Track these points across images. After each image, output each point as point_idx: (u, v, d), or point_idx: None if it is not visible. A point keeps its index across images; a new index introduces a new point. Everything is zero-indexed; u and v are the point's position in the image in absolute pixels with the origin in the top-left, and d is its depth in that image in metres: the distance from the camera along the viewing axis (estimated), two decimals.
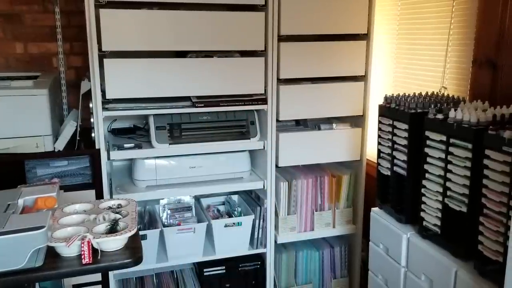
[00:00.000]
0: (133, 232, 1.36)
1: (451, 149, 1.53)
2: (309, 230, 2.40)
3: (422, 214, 1.71)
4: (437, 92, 1.93)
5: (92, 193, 2.03)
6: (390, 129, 1.86)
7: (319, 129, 2.32)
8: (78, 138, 2.05)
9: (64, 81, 2.43)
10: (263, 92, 2.17)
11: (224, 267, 2.34)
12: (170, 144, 2.08)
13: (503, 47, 1.73)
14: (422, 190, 1.70)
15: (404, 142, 1.78)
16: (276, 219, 2.33)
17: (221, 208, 2.54)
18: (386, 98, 1.92)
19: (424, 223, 1.70)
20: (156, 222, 2.25)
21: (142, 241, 1.49)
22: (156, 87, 2.01)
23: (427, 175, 1.67)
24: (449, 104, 1.77)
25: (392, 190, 1.90)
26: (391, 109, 1.84)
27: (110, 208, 1.55)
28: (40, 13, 2.38)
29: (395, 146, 1.84)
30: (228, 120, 2.18)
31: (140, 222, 2.25)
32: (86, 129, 2.14)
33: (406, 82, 2.30)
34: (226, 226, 2.25)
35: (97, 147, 2.00)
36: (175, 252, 2.19)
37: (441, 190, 1.60)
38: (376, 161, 2.00)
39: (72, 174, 2.07)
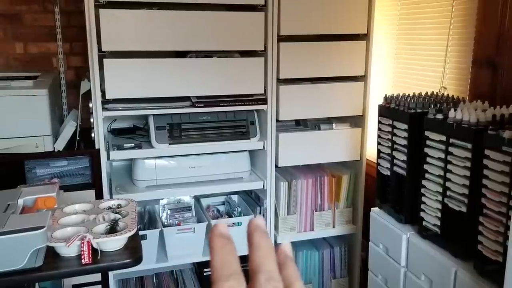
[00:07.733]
0: (133, 232, 1.37)
1: (450, 149, 1.54)
2: (309, 230, 2.40)
3: (421, 214, 1.71)
4: (437, 92, 1.93)
5: (92, 193, 2.03)
6: (389, 129, 1.86)
7: (319, 129, 2.32)
8: (78, 138, 2.05)
9: (64, 81, 2.43)
10: (263, 92, 2.17)
11: None
12: (170, 144, 2.08)
13: (503, 47, 1.73)
14: (422, 190, 1.70)
15: (404, 142, 1.78)
16: (276, 219, 2.33)
17: (221, 208, 2.54)
18: (386, 98, 1.92)
19: (424, 223, 1.70)
20: (156, 222, 2.25)
21: (142, 241, 1.49)
22: (156, 87, 2.01)
23: (426, 175, 1.67)
24: (449, 104, 1.76)
25: (392, 190, 1.90)
26: (391, 109, 1.84)
27: (110, 208, 1.55)
28: (40, 13, 2.38)
29: (395, 146, 1.84)
30: (228, 120, 2.18)
31: (140, 222, 2.25)
32: (86, 129, 2.14)
33: (406, 82, 2.30)
34: None
35: (97, 147, 2.00)
36: (175, 252, 2.19)
37: (441, 190, 1.60)
38: (376, 161, 2.01)
39: (72, 174, 2.07)
